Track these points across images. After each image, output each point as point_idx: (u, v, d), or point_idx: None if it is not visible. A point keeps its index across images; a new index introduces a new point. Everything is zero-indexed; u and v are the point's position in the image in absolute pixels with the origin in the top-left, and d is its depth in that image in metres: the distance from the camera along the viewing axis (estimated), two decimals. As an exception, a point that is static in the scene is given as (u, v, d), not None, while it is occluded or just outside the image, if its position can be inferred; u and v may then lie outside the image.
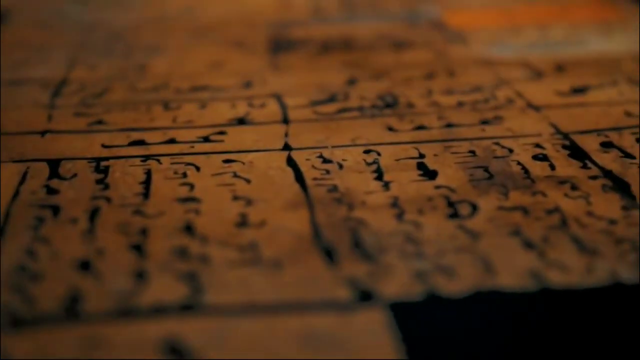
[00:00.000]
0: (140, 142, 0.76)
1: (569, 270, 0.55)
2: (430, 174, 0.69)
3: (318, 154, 0.73)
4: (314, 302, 0.51)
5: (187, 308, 0.51)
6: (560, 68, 0.95)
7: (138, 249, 0.57)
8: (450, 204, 0.64)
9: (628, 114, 0.80)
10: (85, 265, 0.55)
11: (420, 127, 0.79)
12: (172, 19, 1.25)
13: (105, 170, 0.70)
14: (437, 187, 0.67)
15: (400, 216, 0.62)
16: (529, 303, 0.52)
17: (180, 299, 0.52)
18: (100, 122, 0.81)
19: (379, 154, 0.73)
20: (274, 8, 1.31)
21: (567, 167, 0.69)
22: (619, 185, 0.66)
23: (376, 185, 0.67)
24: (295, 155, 0.73)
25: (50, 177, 0.69)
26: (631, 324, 0.50)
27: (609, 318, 0.50)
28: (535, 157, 0.72)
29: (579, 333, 0.49)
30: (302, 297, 0.52)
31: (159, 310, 0.50)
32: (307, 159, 0.72)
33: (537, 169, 0.69)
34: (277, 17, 1.25)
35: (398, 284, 0.53)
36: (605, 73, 0.93)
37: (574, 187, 0.66)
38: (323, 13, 1.28)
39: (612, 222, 0.60)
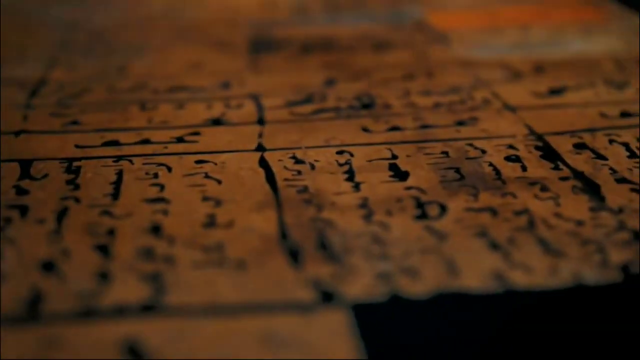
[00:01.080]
0: (114, 143, 0.76)
1: (533, 271, 0.55)
2: (402, 175, 0.69)
3: (291, 155, 0.73)
4: (275, 303, 0.51)
5: (149, 309, 0.51)
6: (539, 69, 0.95)
7: (104, 249, 0.57)
8: (420, 205, 0.64)
9: (603, 115, 0.81)
10: (49, 266, 0.55)
11: (395, 128, 0.79)
12: (156, 18, 1.25)
13: (77, 171, 0.70)
14: (408, 188, 0.67)
15: (368, 217, 0.62)
16: (491, 304, 0.52)
17: (142, 300, 0.52)
18: (75, 122, 0.81)
19: (351, 155, 0.73)
20: (257, 8, 1.31)
21: (538, 169, 0.70)
22: (590, 186, 0.66)
23: (346, 186, 0.67)
24: (268, 156, 0.73)
25: (21, 178, 0.69)
26: (592, 325, 0.50)
27: (571, 319, 0.50)
28: (508, 159, 0.72)
29: (540, 334, 0.49)
30: (264, 298, 0.52)
31: (120, 311, 0.50)
32: (280, 160, 0.72)
33: (509, 170, 0.69)
34: (261, 17, 1.25)
35: (361, 285, 0.53)
36: (584, 74, 0.93)
37: (544, 189, 0.66)
38: (307, 13, 1.28)
39: (580, 223, 0.60)
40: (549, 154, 0.72)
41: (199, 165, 0.71)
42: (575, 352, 0.48)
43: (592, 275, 0.54)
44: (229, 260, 0.56)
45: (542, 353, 0.48)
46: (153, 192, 0.66)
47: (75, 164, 0.71)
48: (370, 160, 0.72)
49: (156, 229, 0.60)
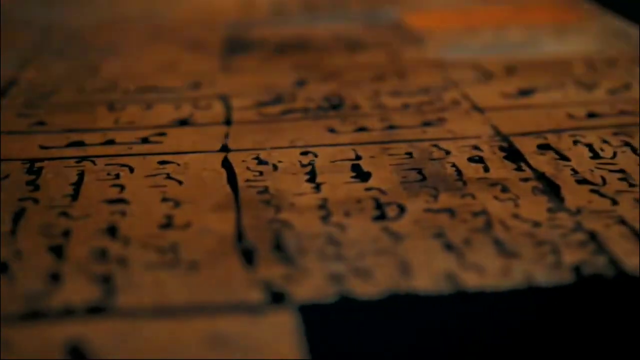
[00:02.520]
0: (79, 144, 0.76)
1: (485, 272, 0.55)
2: (364, 176, 0.69)
3: (255, 156, 0.73)
4: (224, 304, 0.51)
5: (97, 310, 0.51)
6: (510, 70, 0.95)
7: (57, 250, 0.57)
8: (379, 205, 0.64)
9: (570, 116, 0.80)
10: (1, 268, 0.55)
11: (362, 129, 0.79)
12: (133, 19, 1.24)
13: (39, 172, 0.70)
14: (368, 189, 0.66)
15: (326, 218, 0.62)
16: (441, 305, 0.52)
17: (90, 301, 0.52)
18: (41, 123, 0.81)
19: (315, 156, 0.73)
20: (235, 8, 1.31)
21: (500, 169, 0.69)
22: (550, 187, 0.66)
23: (307, 187, 0.67)
24: (232, 156, 0.73)
25: (-19, 179, 0.69)
26: (541, 325, 0.50)
27: (521, 319, 0.50)
28: (471, 159, 0.71)
29: (488, 334, 0.49)
30: (214, 299, 0.52)
31: (68, 313, 0.50)
32: (243, 161, 0.72)
33: (471, 171, 0.69)
34: (238, 17, 1.25)
35: (312, 286, 0.53)
36: (554, 75, 0.93)
37: (504, 189, 0.66)
38: (285, 14, 1.28)
39: (536, 224, 0.60)
40: (513, 155, 0.72)
41: (161, 166, 0.71)
42: (522, 352, 0.48)
43: (543, 276, 0.54)
44: (182, 261, 0.56)
45: (488, 353, 0.48)
46: (113, 193, 0.66)
47: (38, 164, 0.71)
48: (333, 161, 0.72)
49: (112, 230, 0.60)
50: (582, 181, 0.67)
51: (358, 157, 0.72)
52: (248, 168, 0.70)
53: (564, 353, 0.48)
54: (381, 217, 0.62)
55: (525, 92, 0.88)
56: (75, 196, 0.65)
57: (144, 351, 0.47)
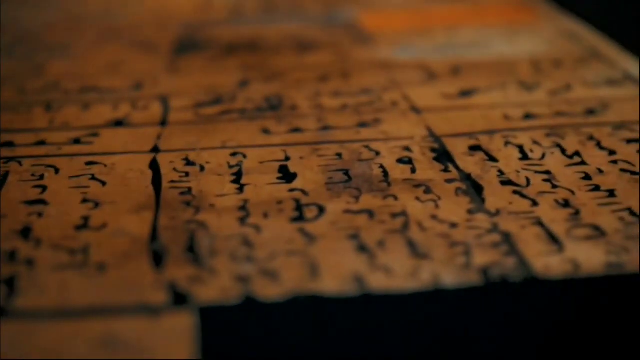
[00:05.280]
0: (8, 144, 0.75)
1: (394, 274, 0.54)
2: (289, 177, 0.69)
3: (184, 157, 0.72)
4: (126, 305, 0.51)
5: (-5, 312, 0.50)
6: (456, 71, 0.95)
7: (-34, 252, 0.57)
8: (299, 207, 0.63)
9: (506, 117, 0.80)
10: None
11: (296, 130, 0.78)
12: (88, 19, 1.24)
13: (-37, 173, 0.70)
14: (291, 190, 0.66)
15: (244, 219, 0.62)
16: (345, 307, 0.52)
17: (-10, 303, 0.51)
18: (-25, 123, 0.81)
19: (244, 157, 0.72)
20: (193, 9, 1.31)
21: (427, 171, 0.69)
22: (474, 188, 0.66)
23: (231, 188, 0.67)
24: (161, 157, 0.72)
25: None
26: (444, 327, 0.50)
27: (425, 321, 0.50)
28: (400, 161, 0.71)
29: (391, 336, 0.49)
30: (116, 301, 0.52)
31: (-35, 315, 0.50)
32: (171, 162, 0.71)
33: (398, 172, 0.69)
34: (194, 18, 1.25)
35: (217, 288, 0.53)
36: (498, 76, 0.93)
37: (427, 191, 0.66)
38: (243, 14, 1.27)
39: (453, 225, 0.60)
40: (443, 156, 0.72)
41: (88, 167, 0.71)
42: (424, 353, 0.47)
43: (451, 277, 0.54)
44: (91, 263, 0.56)
45: (390, 355, 0.47)
46: (34, 194, 0.66)
47: (-37, 165, 0.71)
48: (262, 162, 0.71)
49: (26, 232, 0.60)
50: (507, 182, 0.67)
51: (287, 158, 0.72)
52: (175, 169, 0.70)
53: (464, 354, 0.47)
54: (299, 218, 0.62)
55: (465, 93, 0.88)
56: (-6, 197, 0.65)
57: (34, 353, 0.47)
